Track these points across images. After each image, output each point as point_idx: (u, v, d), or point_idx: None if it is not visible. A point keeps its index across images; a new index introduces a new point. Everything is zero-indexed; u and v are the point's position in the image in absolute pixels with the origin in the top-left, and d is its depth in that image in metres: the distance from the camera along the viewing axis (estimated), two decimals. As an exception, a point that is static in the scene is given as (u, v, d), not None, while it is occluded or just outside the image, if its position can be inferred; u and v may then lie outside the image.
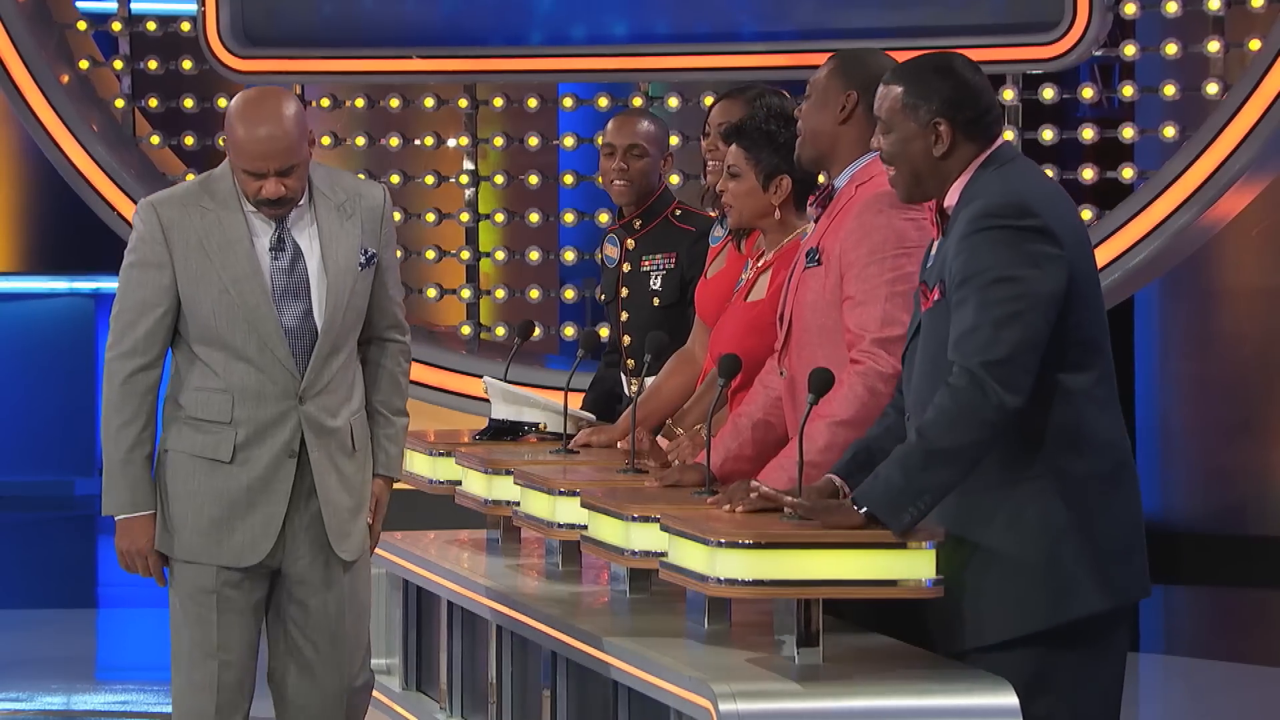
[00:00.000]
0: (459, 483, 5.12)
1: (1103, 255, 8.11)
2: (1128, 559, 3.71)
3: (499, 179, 9.01)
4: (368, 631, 4.37)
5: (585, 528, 4.35)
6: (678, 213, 5.76)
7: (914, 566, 3.62)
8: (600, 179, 5.84)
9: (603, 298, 5.92)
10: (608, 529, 4.19)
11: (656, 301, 5.71)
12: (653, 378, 5.02)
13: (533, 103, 8.88)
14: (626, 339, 5.77)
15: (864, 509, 3.62)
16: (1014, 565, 3.65)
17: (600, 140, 5.81)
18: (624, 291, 5.78)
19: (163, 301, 4.16)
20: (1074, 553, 3.65)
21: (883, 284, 4.04)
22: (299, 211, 4.19)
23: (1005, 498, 3.66)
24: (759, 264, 4.56)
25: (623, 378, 5.82)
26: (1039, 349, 3.60)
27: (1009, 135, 8.28)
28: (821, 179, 4.36)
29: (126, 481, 4.16)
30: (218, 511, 4.18)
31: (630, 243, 5.80)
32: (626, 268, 5.79)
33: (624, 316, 5.78)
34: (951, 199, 3.75)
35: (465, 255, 9.05)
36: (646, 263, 5.74)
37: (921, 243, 4.00)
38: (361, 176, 4.59)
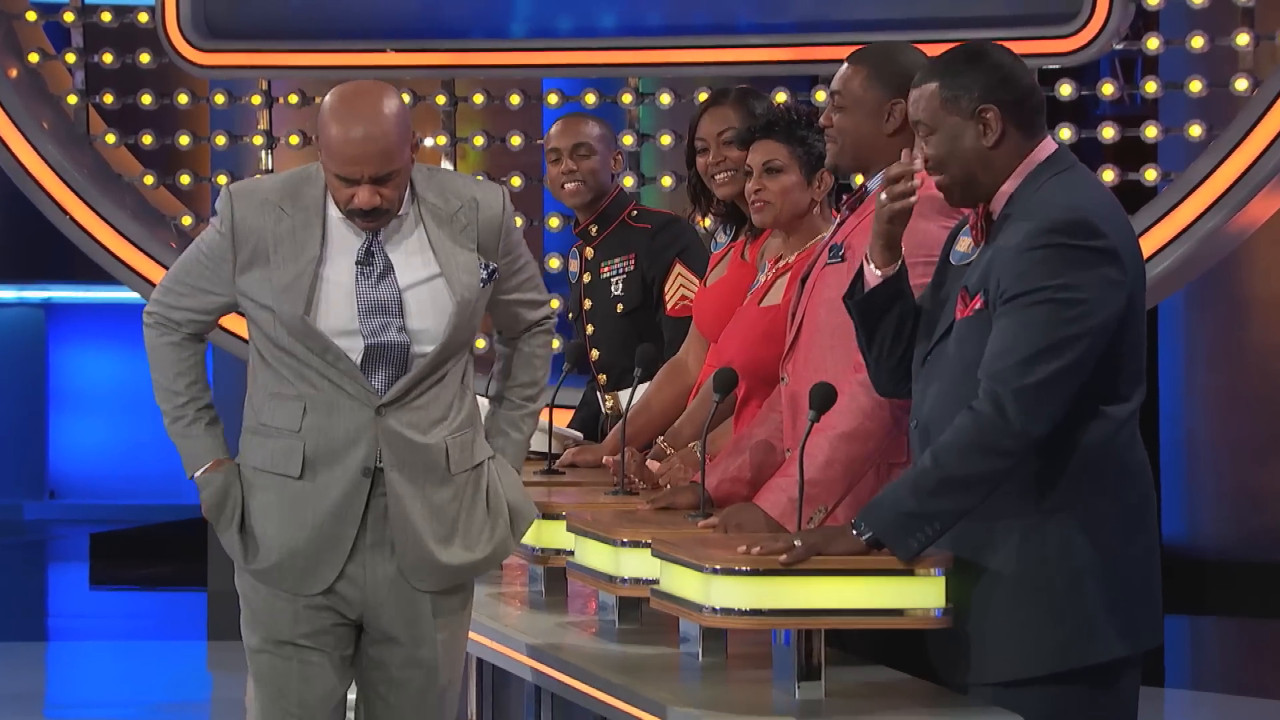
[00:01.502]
0: None
1: (1124, 262, 8.13)
2: (1147, 601, 3.72)
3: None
4: (456, 696, 4.14)
5: (572, 554, 4.37)
6: (634, 214, 5.80)
7: (922, 595, 3.64)
8: (549, 186, 5.88)
9: (570, 315, 5.96)
10: (595, 554, 4.21)
11: (619, 308, 5.74)
12: (625, 391, 5.04)
13: (515, 99, 8.91)
14: (595, 352, 5.80)
15: (867, 535, 3.64)
16: (1031, 601, 3.66)
17: (545, 145, 5.85)
18: (587, 303, 5.82)
19: (218, 290, 4.06)
20: (1096, 593, 3.66)
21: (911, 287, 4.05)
22: (397, 222, 4.02)
23: (1029, 528, 3.67)
24: (779, 266, 4.57)
25: (599, 396, 5.85)
26: (1078, 379, 3.59)
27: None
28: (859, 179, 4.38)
29: (185, 443, 4.09)
30: (290, 535, 4.01)
31: (589, 251, 5.84)
32: (587, 278, 5.83)
33: (589, 329, 5.81)
34: (998, 203, 3.73)
35: (443, 262, 9.06)
36: (605, 269, 5.78)
37: None
38: (480, 178, 4.32)
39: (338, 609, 4.06)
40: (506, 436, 4.21)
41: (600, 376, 5.80)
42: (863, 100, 4.17)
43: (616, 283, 5.75)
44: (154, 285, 9.10)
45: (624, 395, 5.37)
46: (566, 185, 5.78)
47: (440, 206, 4.05)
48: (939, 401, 3.73)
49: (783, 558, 3.64)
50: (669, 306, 5.64)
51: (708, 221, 5.47)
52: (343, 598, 4.05)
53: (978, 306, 3.68)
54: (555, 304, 8.86)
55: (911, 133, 4.16)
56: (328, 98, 4.01)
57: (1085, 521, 3.66)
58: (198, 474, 4.09)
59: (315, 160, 4.08)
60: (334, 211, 4.02)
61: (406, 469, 4.01)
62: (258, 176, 4.14)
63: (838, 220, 4.28)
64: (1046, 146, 3.76)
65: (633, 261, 5.73)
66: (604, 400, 5.80)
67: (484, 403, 5.36)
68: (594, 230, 5.81)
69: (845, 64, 4.23)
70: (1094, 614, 3.66)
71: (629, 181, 8.31)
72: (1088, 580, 3.65)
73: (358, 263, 4.01)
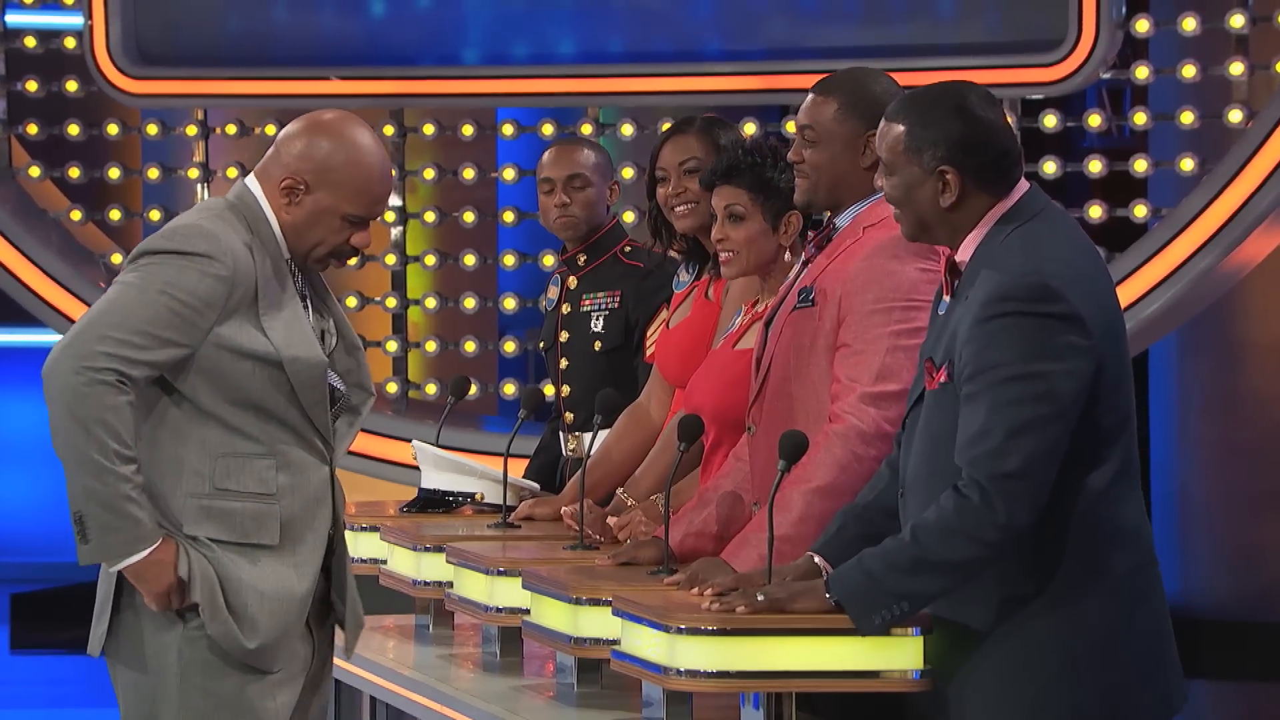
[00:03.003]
0: (384, 561, 5.14)
1: (1113, 304, 8.16)
2: (1151, 677, 3.70)
3: (430, 216, 9.07)
4: None
5: (527, 612, 4.38)
6: (627, 249, 5.80)
7: (899, 656, 3.66)
8: (541, 218, 5.89)
9: (542, 345, 5.96)
10: (553, 613, 4.22)
11: (598, 345, 5.75)
12: (593, 433, 5.05)
13: (468, 130, 8.94)
14: (566, 389, 5.81)
15: (835, 598, 3.65)
16: (1017, 684, 3.65)
17: (538, 174, 5.86)
18: (563, 336, 5.83)
19: (187, 342, 3.89)
20: (1089, 680, 3.64)
21: (885, 335, 4.09)
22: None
23: (1015, 605, 3.66)
24: (755, 310, 4.59)
25: (561, 436, 5.86)
26: (1057, 456, 3.60)
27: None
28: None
29: (138, 512, 3.84)
30: (282, 609, 3.92)
31: (572, 281, 5.84)
32: (566, 309, 5.82)
33: (563, 364, 5.82)
34: (964, 254, 3.75)
35: (391, 302, 9.09)
36: (587, 302, 5.78)
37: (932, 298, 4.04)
38: None
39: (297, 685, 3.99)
40: None
41: (567, 415, 5.81)
42: (837, 134, 4.20)
43: (598, 319, 5.75)
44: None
45: (587, 439, 5.39)
46: (559, 219, 5.78)
47: None
48: (914, 471, 3.76)
49: (740, 607, 3.65)
50: (649, 353, 5.64)
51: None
52: (300, 670, 4.00)
53: (942, 380, 3.70)
54: (510, 346, 8.93)
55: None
56: (328, 129, 3.98)
57: (1076, 601, 3.65)
58: (148, 552, 3.87)
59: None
60: (284, 251, 4.02)
61: (342, 527, 4.04)
62: (200, 222, 3.98)
63: (804, 258, 4.31)
64: (1016, 190, 3.75)
65: (618, 299, 5.74)
66: (566, 442, 5.80)
67: (427, 448, 5.36)
68: (582, 259, 5.81)
69: (813, 94, 4.23)
70: (1087, 703, 3.64)
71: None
72: (1080, 668, 3.64)
73: (304, 306, 4.03)
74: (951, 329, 3.70)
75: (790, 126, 8.26)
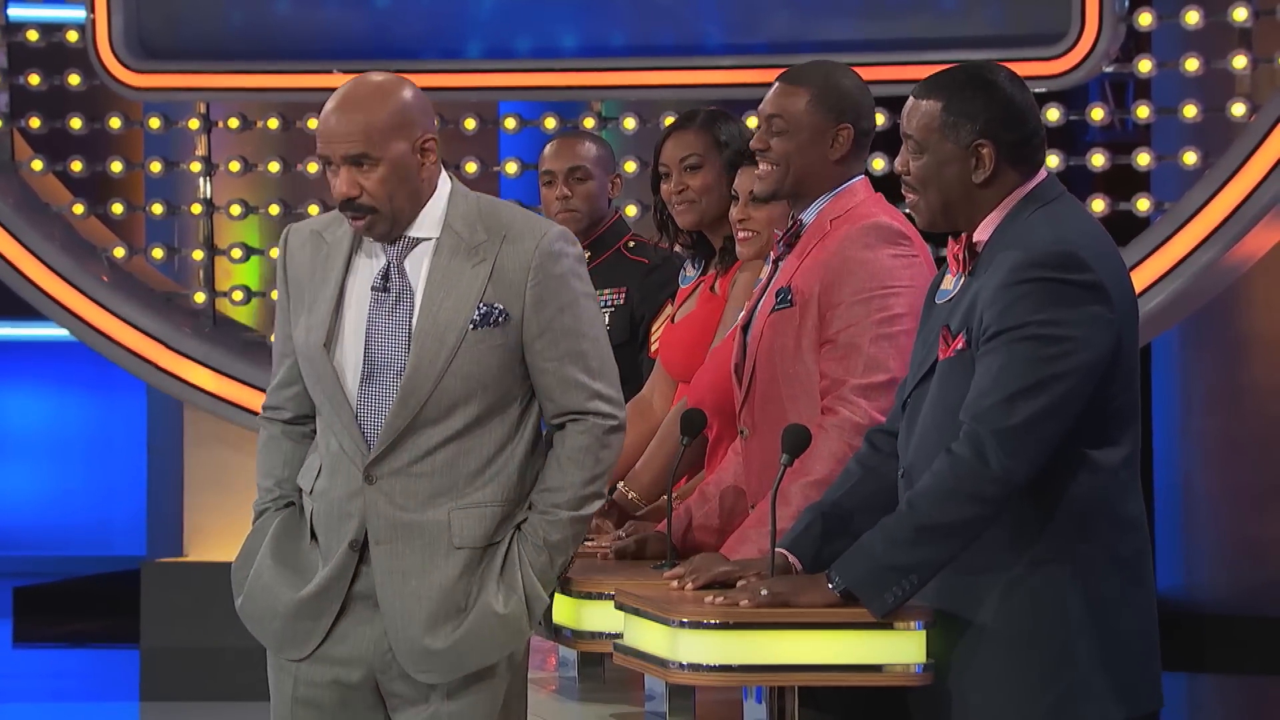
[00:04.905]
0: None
1: (1116, 297, 8.16)
2: (1146, 660, 3.72)
3: (431, 210, 9.05)
4: None
5: (529, 606, 4.38)
6: (630, 244, 5.80)
7: (902, 650, 3.66)
8: (543, 210, 5.88)
9: None
10: (555, 608, 4.21)
11: None
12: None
13: (470, 124, 8.94)
14: None
15: (841, 587, 3.65)
16: (1019, 660, 3.67)
17: (539, 167, 5.85)
18: None
19: (289, 348, 3.92)
20: (1089, 652, 3.66)
21: (869, 325, 4.09)
22: (424, 248, 3.87)
23: (1015, 581, 3.67)
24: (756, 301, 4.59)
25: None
26: (1063, 420, 3.60)
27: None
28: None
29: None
30: (281, 594, 3.90)
31: None
32: None
33: None
34: (983, 234, 3.75)
35: (392, 297, 9.08)
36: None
37: (912, 282, 4.03)
38: (521, 208, 4.06)
39: (335, 678, 3.92)
40: (526, 543, 3.95)
41: None
42: (807, 125, 4.20)
43: (604, 315, 5.75)
44: (84, 321, 9.19)
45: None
46: (560, 212, 5.78)
47: (463, 236, 3.90)
48: (921, 446, 3.75)
49: (744, 601, 3.65)
50: (653, 349, 5.64)
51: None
52: (337, 660, 3.92)
53: (959, 347, 3.70)
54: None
55: (851, 156, 4.20)
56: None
57: (1076, 574, 3.66)
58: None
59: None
60: (369, 239, 3.88)
61: (391, 545, 3.86)
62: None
63: (773, 257, 4.30)
64: (1039, 175, 3.78)
65: (623, 295, 5.74)
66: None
67: None
68: (586, 255, 5.81)
69: (781, 84, 4.22)
70: (1088, 675, 3.66)
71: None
72: (1081, 638, 3.66)
73: (373, 288, 3.86)
74: (970, 299, 3.71)
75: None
